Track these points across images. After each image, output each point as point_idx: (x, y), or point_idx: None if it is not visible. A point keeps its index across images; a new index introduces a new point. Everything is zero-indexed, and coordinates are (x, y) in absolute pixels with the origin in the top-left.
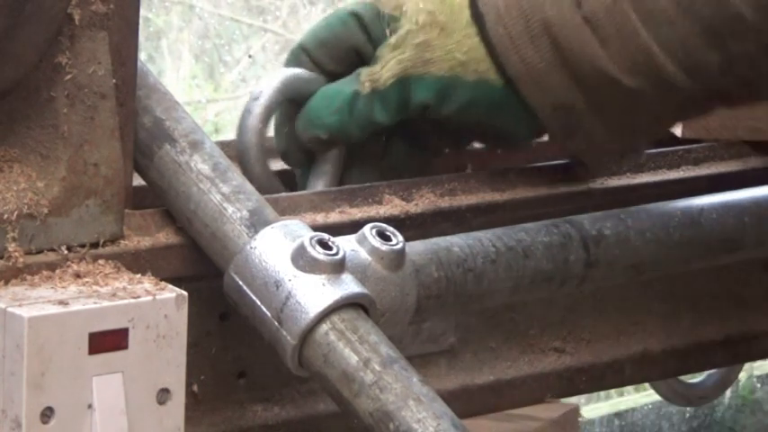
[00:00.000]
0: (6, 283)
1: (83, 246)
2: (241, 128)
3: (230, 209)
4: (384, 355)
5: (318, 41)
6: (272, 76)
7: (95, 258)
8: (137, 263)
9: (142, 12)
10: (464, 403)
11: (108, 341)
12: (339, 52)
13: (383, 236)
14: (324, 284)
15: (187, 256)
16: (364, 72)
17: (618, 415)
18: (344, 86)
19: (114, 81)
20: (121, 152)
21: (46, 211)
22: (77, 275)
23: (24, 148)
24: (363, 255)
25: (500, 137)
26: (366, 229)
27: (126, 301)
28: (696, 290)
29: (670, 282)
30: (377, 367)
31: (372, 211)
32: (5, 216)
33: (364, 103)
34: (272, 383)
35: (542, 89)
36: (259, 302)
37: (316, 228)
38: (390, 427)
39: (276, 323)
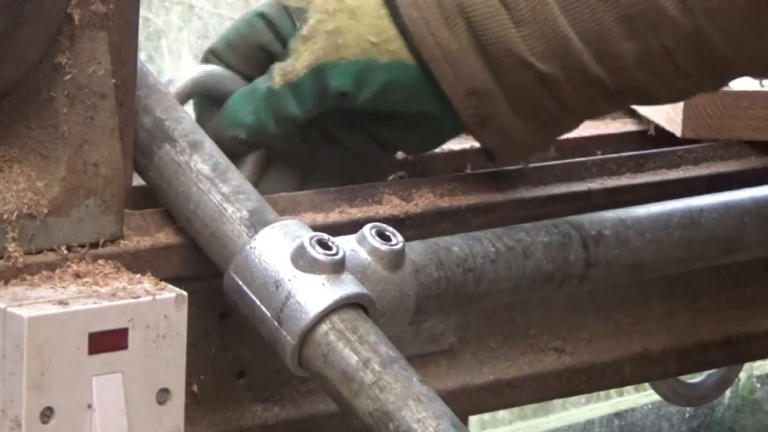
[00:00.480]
0: (6, 283)
1: (83, 246)
2: None
3: (230, 209)
4: (384, 355)
5: (226, 44)
6: (185, 69)
7: (95, 258)
8: (136, 263)
9: (142, 12)
10: (464, 403)
11: (108, 341)
12: (248, 52)
13: (383, 236)
14: (323, 284)
15: (187, 256)
16: (277, 67)
17: (618, 415)
18: (259, 84)
19: (114, 81)
20: (121, 152)
21: (46, 211)
22: (77, 275)
23: (24, 148)
24: (363, 255)
25: (424, 131)
26: (366, 229)
27: (126, 301)
28: (696, 290)
29: (670, 282)
30: (377, 367)
31: (372, 211)
32: (5, 216)
33: (280, 98)
34: (271, 383)
35: (457, 73)
36: (259, 302)
37: (315, 228)
38: (390, 427)
39: (276, 323)
